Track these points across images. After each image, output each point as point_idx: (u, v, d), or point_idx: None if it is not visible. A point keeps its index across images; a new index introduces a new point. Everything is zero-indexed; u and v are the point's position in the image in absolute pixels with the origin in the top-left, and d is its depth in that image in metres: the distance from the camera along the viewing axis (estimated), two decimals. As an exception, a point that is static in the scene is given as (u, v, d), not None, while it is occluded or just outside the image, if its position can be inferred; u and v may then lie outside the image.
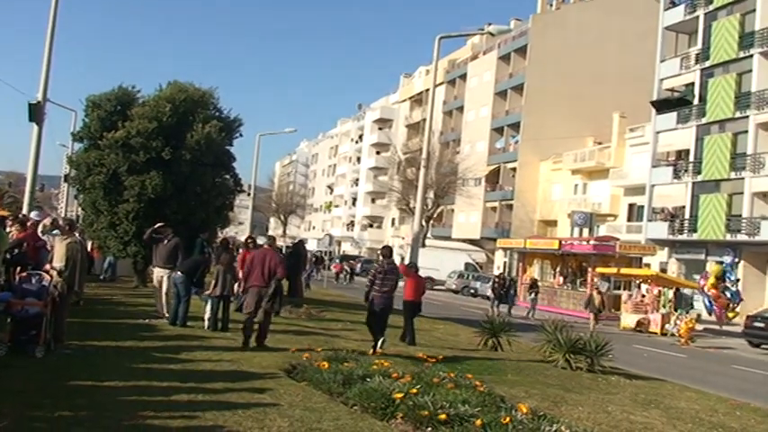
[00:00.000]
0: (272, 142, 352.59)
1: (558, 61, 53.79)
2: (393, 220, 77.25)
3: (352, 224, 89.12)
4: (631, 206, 46.02)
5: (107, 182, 19.11)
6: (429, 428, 6.95)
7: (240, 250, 19.71)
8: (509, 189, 56.40)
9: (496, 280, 29.87)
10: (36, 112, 18.69)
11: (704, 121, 38.10)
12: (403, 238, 62.12)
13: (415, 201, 29.05)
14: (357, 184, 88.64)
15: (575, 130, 51.16)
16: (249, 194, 44.25)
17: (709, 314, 31.52)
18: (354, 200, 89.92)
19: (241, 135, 21.76)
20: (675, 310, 26.74)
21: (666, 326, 26.12)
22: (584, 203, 48.08)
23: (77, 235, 10.83)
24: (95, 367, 8.52)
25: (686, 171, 39.20)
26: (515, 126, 56.86)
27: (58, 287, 9.28)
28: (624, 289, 30.98)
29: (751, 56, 35.67)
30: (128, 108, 19.83)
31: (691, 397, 11.43)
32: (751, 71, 35.68)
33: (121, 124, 19.27)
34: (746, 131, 35.53)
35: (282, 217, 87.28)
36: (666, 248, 39.58)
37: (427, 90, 53.47)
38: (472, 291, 42.94)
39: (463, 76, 66.48)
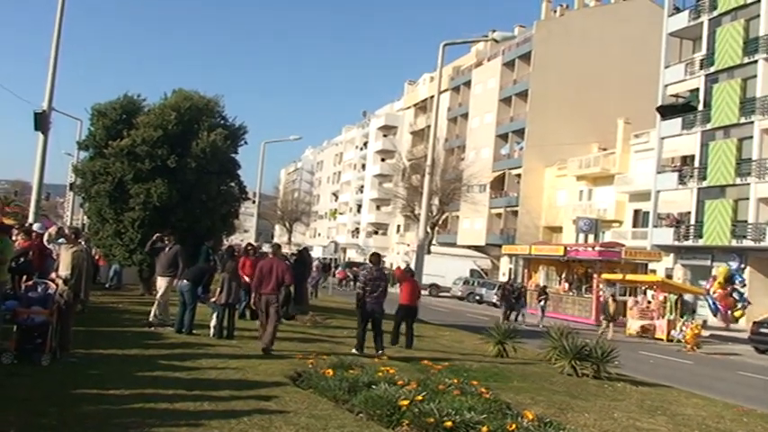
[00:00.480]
0: (278, 150, 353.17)
1: (562, 67, 53.85)
2: (398, 226, 77.18)
3: (357, 231, 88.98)
4: (636, 212, 45.87)
5: (112, 190, 19.12)
6: (435, 436, 6.92)
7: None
8: (514, 195, 56.34)
9: (507, 288, 29.51)
10: (41, 122, 18.80)
11: (709, 126, 38.06)
12: (408, 245, 62.05)
13: (420, 207, 29.09)
14: (362, 191, 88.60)
15: (579, 136, 51.16)
16: (254, 202, 44.32)
17: (714, 315, 31.42)
18: (359, 207, 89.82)
19: (246, 143, 21.76)
20: (681, 317, 26.68)
21: (672, 332, 26.11)
22: (589, 209, 47.98)
23: (83, 243, 10.87)
24: (101, 375, 8.53)
25: (691, 177, 39.12)
26: (520, 132, 56.89)
27: (64, 295, 9.31)
28: (630, 295, 30.90)
29: (756, 61, 35.63)
30: (133, 116, 19.84)
31: (697, 404, 11.39)
32: (756, 77, 35.64)
33: (127, 133, 19.29)
34: (751, 137, 35.48)
35: (288, 224, 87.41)
36: (672, 254, 39.45)
37: (432, 97, 53.54)
38: (477, 297, 42.85)
39: (468, 83, 66.58)
